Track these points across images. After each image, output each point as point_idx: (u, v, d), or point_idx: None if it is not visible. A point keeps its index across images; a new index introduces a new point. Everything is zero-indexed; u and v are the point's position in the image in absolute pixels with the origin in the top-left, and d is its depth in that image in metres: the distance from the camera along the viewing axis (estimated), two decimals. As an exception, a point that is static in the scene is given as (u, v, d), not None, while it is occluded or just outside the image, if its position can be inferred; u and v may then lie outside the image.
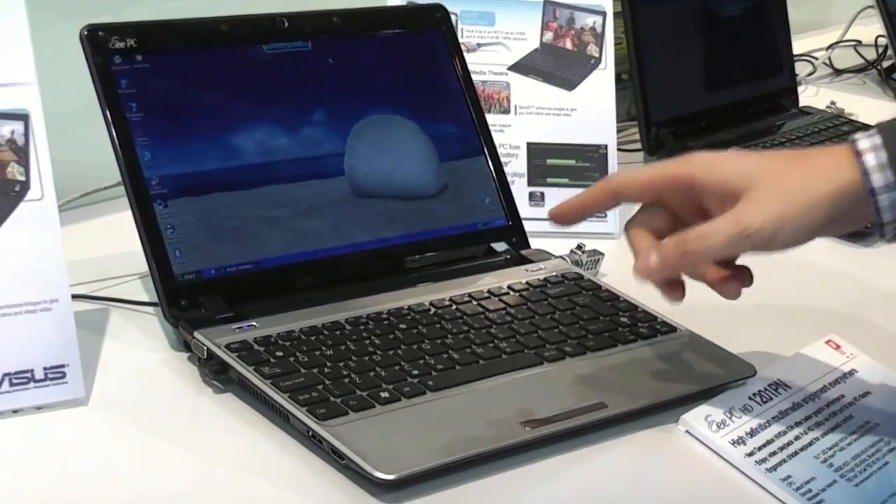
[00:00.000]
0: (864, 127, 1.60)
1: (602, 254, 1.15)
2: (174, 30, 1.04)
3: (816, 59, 1.88)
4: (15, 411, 0.90)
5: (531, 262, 1.11)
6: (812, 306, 1.12)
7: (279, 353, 0.92)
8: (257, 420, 0.90)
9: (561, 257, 1.12)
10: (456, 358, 0.94)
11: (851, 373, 0.98)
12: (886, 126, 0.83)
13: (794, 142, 1.52)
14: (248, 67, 1.05)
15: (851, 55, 1.91)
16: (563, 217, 0.91)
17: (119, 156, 0.98)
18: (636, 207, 1.31)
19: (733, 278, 0.88)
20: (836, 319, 1.08)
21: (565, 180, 1.29)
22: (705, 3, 1.54)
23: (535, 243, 1.14)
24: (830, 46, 1.91)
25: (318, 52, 1.08)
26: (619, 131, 1.33)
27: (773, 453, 0.88)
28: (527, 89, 1.31)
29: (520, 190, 1.26)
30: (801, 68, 1.81)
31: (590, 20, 1.33)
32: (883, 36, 1.82)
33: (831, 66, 1.89)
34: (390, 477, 0.81)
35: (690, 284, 1.16)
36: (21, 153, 0.91)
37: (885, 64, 1.87)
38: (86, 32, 0.99)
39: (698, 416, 0.90)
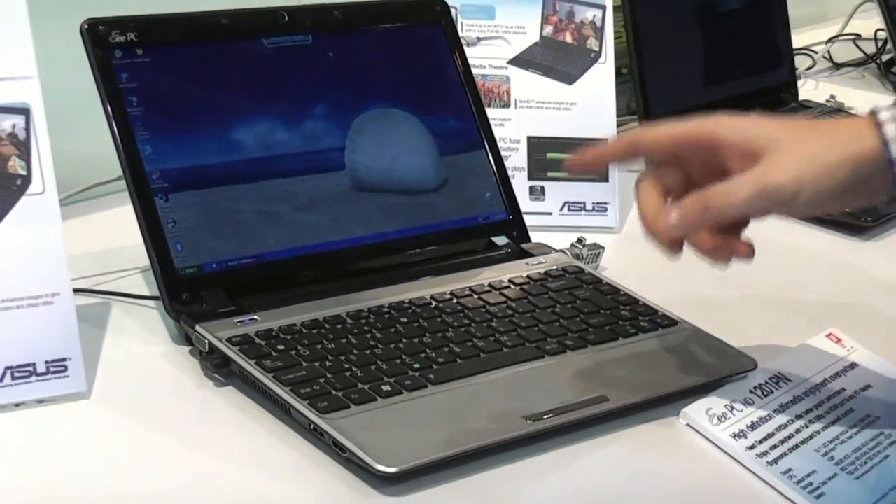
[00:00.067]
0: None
1: (603, 248, 1.15)
2: (175, 24, 1.04)
3: (816, 52, 1.89)
4: (17, 405, 0.90)
5: (532, 255, 1.11)
6: (813, 300, 1.13)
7: (280, 347, 0.92)
8: (259, 413, 0.90)
9: (561, 251, 1.13)
10: (457, 351, 0.94)
11: (852, 366, 0.98)
12: None
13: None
14: (248, 61, 1.05)
15: (851, 49, 1.91)
16: (581, 165, 0.90)
17: (120, 150, 0.98)
18: (635, 204, 1.32)
19: (727, 247, 0.87)
20: (836, 313, 1.08)
21: (565, 174, 1.29)
22: (705, -3, 1.55)
23: (535, 237, 1.14)
24: (830, 40, 1.91)
25: (318, 46, 1.08)
26: (618, 125, 1.33)
27: (774, 446, 0.88)
28: (527, 83, 1.31)
29: (520, 184, 1.26)
30: (801, 62, 1.81)
31: (590, 14, 1.33)
32: (882, 30, 1.82)
33: (831, 59, 1.89)
34: (392, 470, 0.81)
35: (691, 280, 1.16)
36: (22, 147, 0.91)
37: (885, 58, 1.87)
38: (86, 26, 0.99)
39: (699, 410, 0.90)
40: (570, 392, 0.91)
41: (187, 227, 0.99)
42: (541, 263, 1.10)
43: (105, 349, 0.98)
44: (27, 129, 0.91)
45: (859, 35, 1.93)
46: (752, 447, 0.87)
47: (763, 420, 0.90)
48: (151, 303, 1.05)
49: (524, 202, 1.21)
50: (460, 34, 1.22)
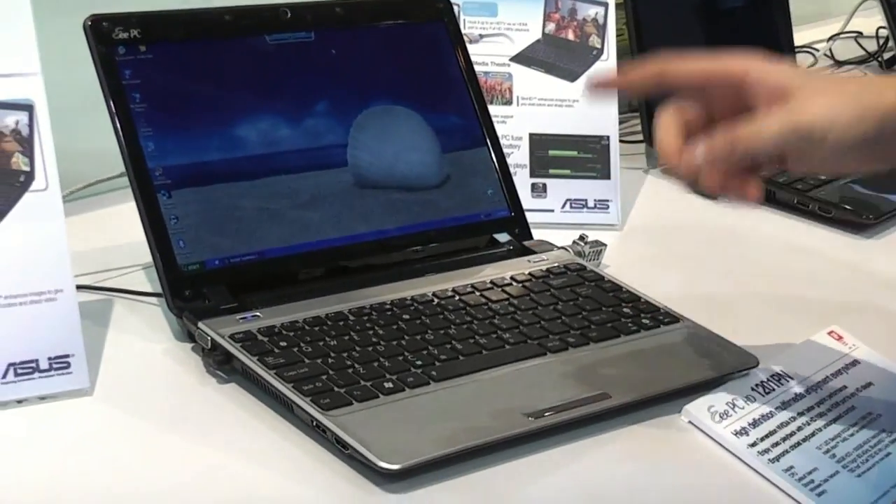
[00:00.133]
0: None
1: (604, 245, 1.15)
2: (177, 20, 1.04)
3: (818, 50, 1.89)
4: (19, 401, 0.90)
5: (534, 252, 1.11)
6: (814, 297, 1.13)
7: (283, 344, 0.92)
8: (261, 410, 0.90)
9: (563, 248, 1.13)
10: (459, 348, 0.94)
11: (854, 363, 0.98)
12: None
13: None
14: (251, 58, 1.05)
15: (852, 47, 1.91)
16: (604, 86, 0.89)
17: (123, 146, 0.98)
18: (639, 202, 1.33)
19: (738, 187, 0.86)
20: (838, 310, 1.08)
21: (567, 171, 1.29)
22: (707, -6, 1.55)
23: (537, 234, 1.14)
24: (831, 38, 1.91)
25: (320, 42, 1.08)
26: (620, 123, 1.33)
27: (776, 444, 0.88)
28: (529, 80, 1.31)
29: (522, 181, 1.26)
30: (803, 60, 1.81)
31: (592, 11, 1.33)
32: (884, 27, 1.82)
33: (832, 57, 1.89)
34: (394, 467, 0.81)
35: (693, 277, 1.16)
36: (25, 143, 0.91)
37: (887, 55, 1.87)
38: (89, 23, 0.99)
39: (701, 407, 0.90)
40: (571, 389, 0.91)
41: (190, 223, 0.99)
42: (543, 261, 1.10)
43: (108, 346, 0.98)
44: (30, 125, 0.91)
45: (861, 33, 1.93)
46: (753, 444, 0.87)
47: (765, 417, 0.90)
48: (154, 299, 1.05)
49: (526, 199, 1.21)
50: (463, 31, 1.22)
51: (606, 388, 0.91)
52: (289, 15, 1.07)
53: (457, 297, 1.02)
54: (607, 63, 1.31)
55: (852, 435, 0.90)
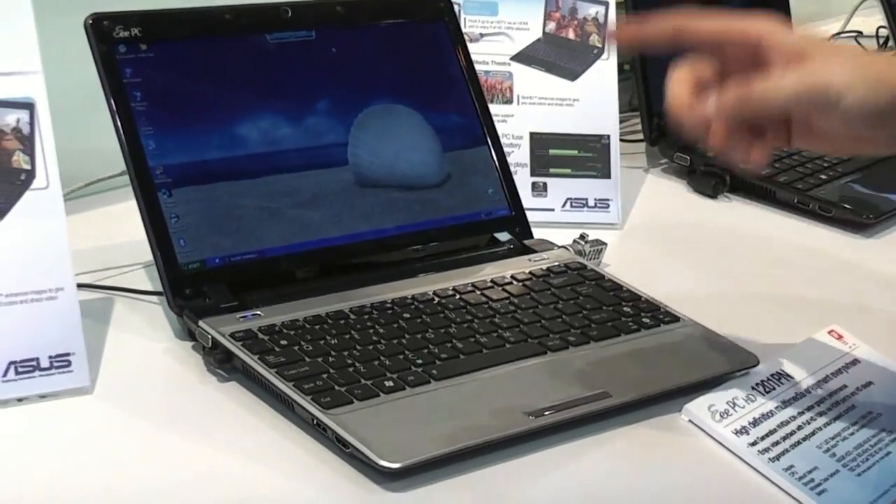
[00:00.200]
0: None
1: (605, 244, 1.15)
2: (178, 19, 1.04)
3: (818, 49, 1.88)
4: (20, 399, 0.90)
5: (534, 251, 1.11)
6: (814, 297, 1.13)
7: (283, 342, 0.92)
8: (261, 409, 0.90)
9: (564, 247, 1.13)
10: (460, 347, 0.94)
11: (854, 363, 0.98)
12: None
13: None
14: (251, 57, 1.05)
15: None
16: (622, 39, 0.90)
17: (123, 145, 0.98)
18: (639, 201, 1.33)
19: (744, 147, 0.85)
20: (838, 310, 1.09)
21: (568, 170, 1.29)
22: (707, -7, 1.54)
23: (537, 233, 1.14)
24: (832, 37, 1.91)
25: (321, 41, 1.08)
26: (621, 122, 1.33)
27: (776, 443, 0.88)
28: (529, 79, 1.31)
29: (522, 180, 1.26)
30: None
31: (592, 10, 1.33)
32: (884, 27, 1.82)
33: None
34: (395, 465, 0.81)
35: (694, 276, 1.16)
36: (26, 142, 0.91)
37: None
38: (90, 21, 0.99)
39: (701, 406, 0.90)
40: (572, 388, 0.91)
41: (190, 222, 0.99)
42: (543, 259, 1.10)
43: (108, 344, 0.98)
44: (31, 123, 0.91)
45: (861, 32, 1.93)
46: (753, 443, 0.87)
47: (765, 416, 0.90)
48: (154, 298, 1.05)
49: (526, 198, 1.21)
50: (463, 30, 1.22)
51: (607, 386, 0.91)
52: (290, 14, 1.07)
53: (457, 296, 1.02)
54: (608, 61, 1.31)
55: (852, 434, 0.90)
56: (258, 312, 0.96)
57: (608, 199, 1.28)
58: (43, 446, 0.86)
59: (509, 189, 1.14)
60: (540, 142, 1.30)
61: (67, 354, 0.91)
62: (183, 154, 1.00)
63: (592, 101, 1.30)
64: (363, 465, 0.83)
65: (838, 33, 1.92)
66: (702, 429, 0.90)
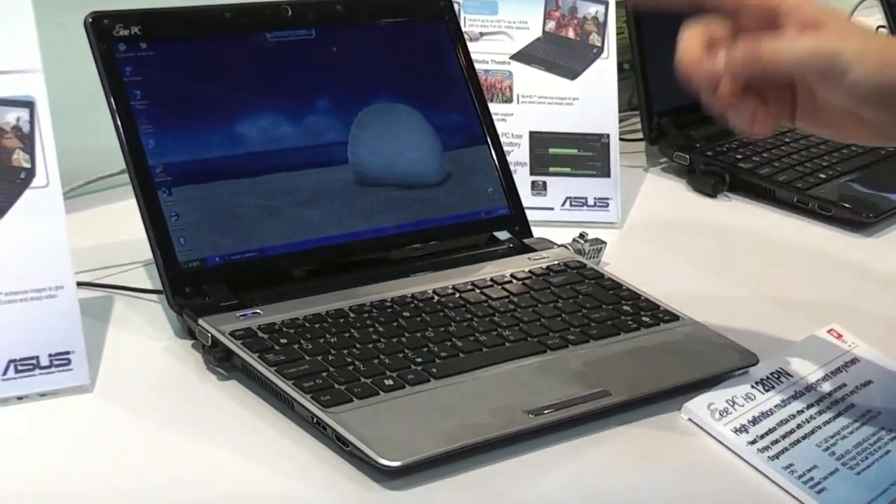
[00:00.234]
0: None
1: (604, 243, 1.15)
2: (178, 17, 1.04)
3: (817, 49, 1.88)
4: (20, 398, 0.90)
5: (534, 250, 1.11)
6: (814, 295, 1.13)
7: (283, 341, 0.92)
8: (261, 407, 0.90)
9: (563, 246, 1.13)
10: (459, 346, 0.94)
11: (853, 361, 0.98)
12: None
13: (797, 130, 1.52)
14: (251, 55, 1.05)
15: (852, 45, 1.91)
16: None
17: (123, 143, 0.98)
18: (638, 200, 1.33)
19: (749, 110, 0.85)
20: (837, 308, 1.09)
21: (567, 169, 1.29)
22: (707, -8, 1.54)
23: (537, 232, 1.14)
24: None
25: (321, 40, 1.08)
26: (620, 121, 1.33)
27: (776, 441, 0.88)
28: (529, 78, 1.31)
29: (522, 179, 1.26)
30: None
31: (592, 9, 1.33)
32: (883, 26, 1.82)
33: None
34: (394, 464, 0.81)
35: (693, 275, 1.16)
36: (26, 140, 0.91)
37: (886, 54, 1.87)
38: (90, 20, 0.99)
39: (701, 405, 0.90)
40: (571, 387, 0.91)
41: (190, 220, 0.99)
42: (542, 258, 1.10)
43: (108, 343, 0.98)
44: (31, 122, 0.91)
45: (860, 32, 1.92)
46: (753, 442, 0.88)
47: (764, 415, 0.90)
48: (154, 296, 1.05)
49: (526, 197, 1.21)
50: (463, 29, 1.22)
51: (606, 385, 0.91)
52: (290, 12, 1.08)
53: (457, 295, 1.02)
54: (608, 60, 1.31)
55: (852, 433, 0.90)
56: (258, 311, 0.96)
57: (608, 198, 1.28)
58: (43, 444, 0.86)
59: (509, 188, 1.14)
60: (539, 141, 1.30)
61: (67, 353, 0.91)
62: (183, 152, 1.00)
63: (592, 100, 1.31)
64: (363, 464, 0.83)
65: (838, 33, 1.91)
66: (701, 427, 0.90)
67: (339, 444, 0.84)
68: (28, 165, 0.91)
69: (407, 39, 1.15)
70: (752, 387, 0.93)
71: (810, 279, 1.17)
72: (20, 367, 0.90)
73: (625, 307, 1.02)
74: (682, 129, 1.43)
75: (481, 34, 1.31)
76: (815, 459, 0.87)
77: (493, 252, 1.11)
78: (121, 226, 1.10)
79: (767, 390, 0.93)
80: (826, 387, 0.94)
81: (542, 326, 0.98)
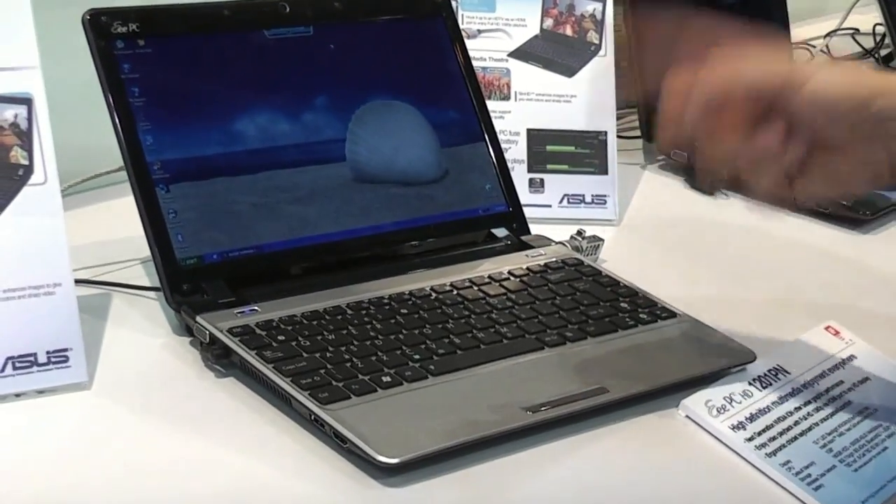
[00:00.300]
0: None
1: (602, 240, 1.15)
2: (176, 14, 1.04)
3: (814, 47, 1.88)
4: (17, 395, 0.90)
5: (531, 247, 1.11)
6: (811, 293, 1.13)
7: (281, 338, 0.92)
8: (259, 404, 0.90)
9: (561, 243, 1.13)
10: (457, 343, 0.94)
11: (850, 358, 0.98)
12: None
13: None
14: (250, 52, 1.05)
15: (849, 43, 1.91)
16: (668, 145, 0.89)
17: (121, 140, 0.98)
18: (636, 197, 1.33)
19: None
20: (834, 306, 1.09)
21: (565, 167, 1.29)
22: (704, -10, 1.54)
23: (535, 229, 1.14)
24: (828, 34, 1.91)
25: (319, 37, 1.08)
26: (618, 118, 1.33)
27: (773, 438, 0.88)
28: (527, 76, 1.31)
29: (520, 176, 1.26)
30: (799, 56, 1.81)
31: (590, 7, 1.33)
32: (881, 24, 1.82)
33: (829, 54, 1.89)
34: (392, 461, 0.81)
35: (690, 272, 1.16)
36: (24, 137, 0.91)
37: (883, 52, 1.87)
38: (88, 17, 0.99)
39: (698, 401, 0.91)
40: (569, 383, 0.91)
41: (188, 217, 0.99)
42: (540, 255, 1.10)
43: (106, 340, 0.98)
44: (29, 119, 0.91)
45: (857, 30, 1.93)
46: (750, 439, 0.88)
47: (762, 412, 0.90)
48: (152, 294, 1.05)
49: (524, 194, 1.21)
50: (461, 26, 1.22)
51: (604, 382, 0.91)
52: (288, 9, 1.08)
53: (455, 292, 1.02)
54: (605, 58, 1.31)
55: (849, 429, 0.90)
56: (256, 308, 0.96)
57: (605, 196, 1.28)
58: (41, 442, 0.86)
59: (507, 185, 1.14)
60: (537, 138, 1.30)
61: (65, 350, 0.91)
62: (181, 149, 1.00)
63: (590, 97, 1.31)
64: (361, 461, 0.83)
65: (834, 30, 1.92)
66: (699, 424, 0.90)
67: (337, 441, 0.84)
68: (26, 162, 0.91)
69: (405, 37, 1.15)
70: (750, 384, 0.93)
71: (807, 276, 1.17)
72: (18, 365, 0.90)
73: (622, 304, 1.02)
74: (680, 127, 1.42)
75: (479, 31, 1.31)
76: (813, 456, 0.87)
77: (490, 249, 1.11)
78: (119, 223, 1.10)
79: (765, 387, 0.93)
80: (823, 384, 0.95)
81: (540, 323, 0.98)
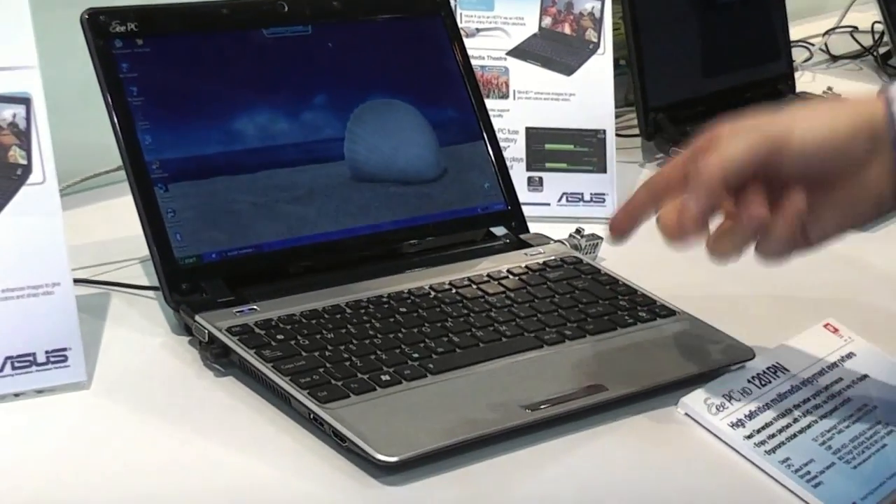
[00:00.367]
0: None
1: (601, 238, 1.15)
2: (175, 13, 1.04)
3: (813, 45, 1.89)
4: (16, 395, 0.90)
5: (530, 246, 1.11)
6: (810, 290, 1.13)
7: (280, 337, 0.92)
8: (258, 403, 0.90)
9: (560, 241, 1.13)
10: (456, 341, 0.94)
11: (849, 356, 0.98)
12: None
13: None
14: (248, 51, 1.06)
15: (848, 41, 1.91)
16: (621, 230, 0.89)
17: (120, 140, 0.98)
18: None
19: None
20: (834, 303, 1.09)
21: (563, 165, 1.29)
22: (703, -12, 1.55)
23: (533, 228, 1.15)
24: (827, 32, 1.92)
25: (318, 36, 1.08)
26: (616, 117, 1.33)
27: (772, 436, 0.88)
28: (525, 74, 1.31)
29: (518, 175, 1.26)
30: (798, 54, 1.81)
31: (588, 5, 1.33)
32: (879, 22, 1.82)
33: (828, 52, 1.89)
34: (392, 459, 0.81)
35: (689, 270, 1.16)
36: (23, 137, 0.91)
37: (882, 50, 1.87)
38: (86, 16, 0.99)
39: (697, 399, 0.91)
40: (568, 381, 0.91)
41: (187, 217, 0.99)
42: (539, 254, 1.10)
43: (105, 339, 0.98)
44: (28, 118, 0.91)
45: (856, 27, 1.93)
46: (749, 436, 0.88)
47: (761, 409, 0.90)
48: (151, 293, 1.05)
49: (522, 193, 1.21)
50: (459, 25, 1.22)
51: (603, 380, 0.91)
52: (286, 8, 1.08)
53: (453, 290, 1.02)
54: (604, 56, 1.31)
55: (848, 427, 0.90)
56: (255, 307, 0.96)
57: (604, 194, 1.28)
58: (40, 441, 0.86)
59: (505, 184, 1.14)
60: (536, 136, 1.30)
61: (64, 349, 0.91)
62: (179, 149, 1.00)
63: (588, 95, 1.31)
64: (360, 459, 0.83)
65: (833, 28, 1.92)
66: (698, 422, 0.90)
67: (337, 440, 0.84)
68: (24, 162, 0.91)
69: (403, 35, 1.15)
70: (749, 381, 0.93)
71: (806, 274, 1.16)
72: (17, 364, 0.90)
73: (621, 302, 1.02)
74: (679, 125, 1.43)
75: (477, 30, 1.31)
76: (812, 453, 0.87)
77: (489, 248, 1.11)
78: (117, 222, 1.10)
79: (764, 385, 0.93)
80: (822, 381, 0.95)
81: (539, 322, 0.98)
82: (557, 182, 1.28)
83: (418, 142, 1.11)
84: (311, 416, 0.86)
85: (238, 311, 0.95)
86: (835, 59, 1.89)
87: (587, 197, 1.28)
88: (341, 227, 1.05)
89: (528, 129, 1.30)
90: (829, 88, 1.69)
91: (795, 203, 0.84)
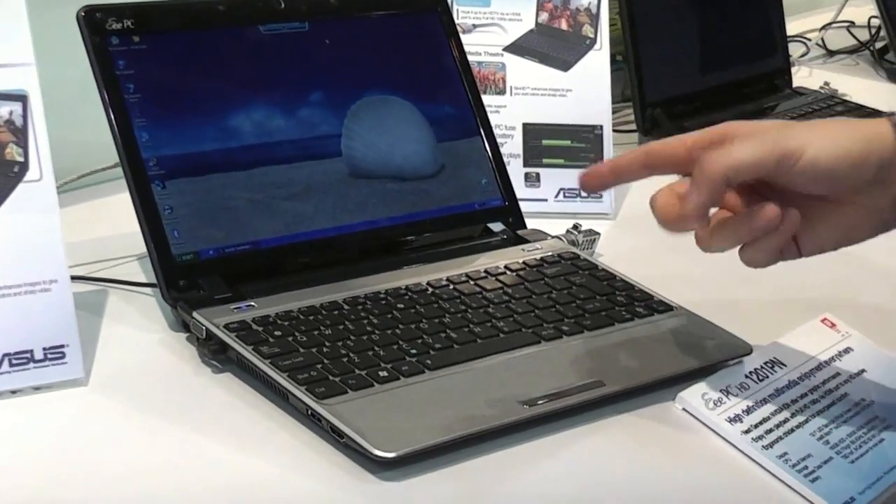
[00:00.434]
0: (858, 107, 1.61)
1: (598, 234, 1.15)
2: (171, 11, 1.04)
3: (810, 40, 1.89)
4: (14, 392, 0.90)
5: (528, 242, 1.11)
6: (807, 285, 1.13)
7: (278, 333, 0.92)
8: (256, 399, 0.90)
9: (557, 237, 1.13)
10: (454, 337, 0.95)
11: (846, 351, 0.98)
12: None
13: (789, 122, 1.52)
14: (245, 48, 1.06)
15: (844, 36, 1.91)
16: (596, 183, 0.90)
17: (117, 137, 0.98)
18: (632, 191, 1.33)
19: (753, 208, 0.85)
20: (831, 298, 1.09)
21: (560, 161, 1.29)
22: (700, -16, 1.55)
23: (531, 224, 1.15)
24: (824, 27, 1.92)
25: (315, 32, 1.08)
26: (613, 112, 1.33)
27: (770, 430, 0.88)
28: (522, 70, 1.31)
29: (515, 170, 1.26)
30: (795, 49, 1.82)
31: (585, 1, 1.33)
32: (876, 17, 1.82)
33: (824, 46, 1.89)
34: (389, 455, 0.81)
35: (687, 266, 1.16)
36: (19, 134, 0.91)
37: (878, 45, 1.87)
38: (83, 13, 0.99)
39: (695, 394, 0.91)
40: (566, 377, 0.91)
41: (184, 213, 0.99)
42: (537, 249, 1.10)
43: (102, 336, 0.98)
44: (24, 116, 0.91)
45: (853, 22, 1.93)
46: (747, 431, 0.88)
47: (758, 404, 0.90)
48: (149, 290, 1.05)
49: (520, 189, 1.21)
50: (456, 21, 1.22)
51: (600, 375, 0.91)
52: (283, 5, 1.08)
53: (451, 286, 1.02)
54: (601, 52, 1.31)
55: (845, 421, 0.91)
56: (252, 303, 0.96)
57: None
58: (37, 438, 0.86)
59: (503, 179, 1.14)
60: (533, 132, 1.30)
61: (61, 346, 0.91)
62: (176, 146, 1.00)
63: (585, 91, 1.31)
64: (358, 455, 0.83)
65: (830, 23, 1.92)
66: (695, 417, 0.90)
67: (334, 436, 0.84)
68: (21, 159, 0.91)
69: (400, 32, 1.15)
70: (746, 376, 0.93)
71: (803, 269, 1.16)
72: (14, 361, 0.90)
73: (619, 298, 1.02)
74: (675, 121, 1.43)
75: (474, 26, 1.31)
76: (810, 448, 0.87)
77: (487, 244, 1.11)
78: (114, 219, 1.10)
79: (761, 380, 0.93)
80: (820, 376, 0.95)
81: (537, 317, 0.98)
82: (554, 178, 1.29)
83: (415, 138, 1.11)
84: (309, 412, 0.86)
85: (235, 308, 0.95)
86: (831, 53, 1.89)
87: (584, 193, 1.28)
88: (338, 224, 1.05)
89: (524, 124, 1.30)
90: (826, 83, 1.69)
91: (792, 219, 0.85)
